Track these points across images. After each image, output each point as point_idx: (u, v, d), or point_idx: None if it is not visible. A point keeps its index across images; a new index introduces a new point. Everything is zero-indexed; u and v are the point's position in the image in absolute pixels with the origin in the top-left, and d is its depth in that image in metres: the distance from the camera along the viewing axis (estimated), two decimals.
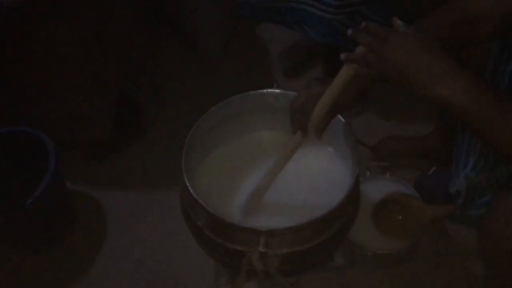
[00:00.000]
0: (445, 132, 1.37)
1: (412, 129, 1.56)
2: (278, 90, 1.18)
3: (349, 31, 0.87)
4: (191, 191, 0.99)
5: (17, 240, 1.34)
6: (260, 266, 0.95)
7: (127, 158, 1.57)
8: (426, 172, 1.39)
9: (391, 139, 1.49)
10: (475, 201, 1.08)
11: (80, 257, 1.37)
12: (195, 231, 1.05)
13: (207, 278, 1.30)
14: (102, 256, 1.37)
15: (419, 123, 1.56)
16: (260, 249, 0.94)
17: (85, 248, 1.39)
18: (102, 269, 1.35)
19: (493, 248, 0.90)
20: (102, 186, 1.51)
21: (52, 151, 1.26)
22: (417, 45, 0.81)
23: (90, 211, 1.46)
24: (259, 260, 0.95)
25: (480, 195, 1.07)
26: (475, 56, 1.03)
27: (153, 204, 1.46)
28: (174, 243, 1.36)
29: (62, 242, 1.39)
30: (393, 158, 1.46)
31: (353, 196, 1.06)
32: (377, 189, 1.28)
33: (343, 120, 1.11)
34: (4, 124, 1.35)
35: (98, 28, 1.31)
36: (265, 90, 1.19)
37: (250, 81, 1.73)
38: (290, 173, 1.17)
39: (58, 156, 1.26)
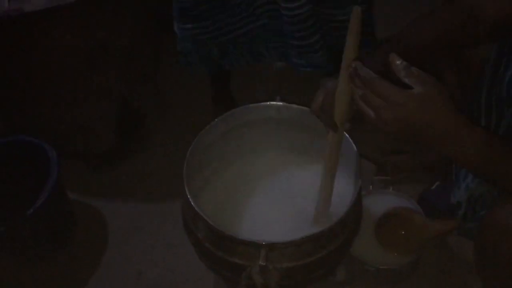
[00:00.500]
0: None
1: None
2: (281, 103, 1.18)
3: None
4: (192, 203, 0.99)
5: (18, 250, 1.34)
6: (260, 280, 0.95)
7: (128, 168, 1.57)
8: (430, 187, 1.38)
9: (394, 153, 1.48)
10: (477, 213, 1.07)
11: (81, 267, 1.36)
12: (195, 243, 1.05)
13: None
14: (103, 266, 1.36)
15: None
16: (260, 262, 0.93)
17: (86, 258, 1.38)
18: (102, 279, 1.34)
19: (489, 256, 0.88)
20: (103, 196, 1.51)
21: (54, 160, 1.26)
22: (421, 106, 0.76)
23: (91, 221, 1.46)
24: (259, 274, 0.94)
25: (482, 206, 1.06)
26: (475, 57, 1.02)
27: (154, 215, 1.46)
28: (175, 255, 1.36)
29: (63, 252, 1.39)
30: (396, 172, 1.45)
31: (355, 211, 1.05)
32: (380, 203, 1.27)
33: (346, 134, 1.11)
34: (6, 133, 1.36)
35: (103, 38, 1.32)
36: (268, 103, 1.18)
37: (253, 90, 1.73)
38: (292, 187, 1.16)
39: (60, 166, 1.26)
